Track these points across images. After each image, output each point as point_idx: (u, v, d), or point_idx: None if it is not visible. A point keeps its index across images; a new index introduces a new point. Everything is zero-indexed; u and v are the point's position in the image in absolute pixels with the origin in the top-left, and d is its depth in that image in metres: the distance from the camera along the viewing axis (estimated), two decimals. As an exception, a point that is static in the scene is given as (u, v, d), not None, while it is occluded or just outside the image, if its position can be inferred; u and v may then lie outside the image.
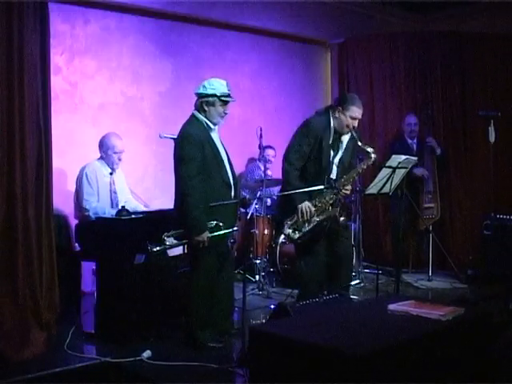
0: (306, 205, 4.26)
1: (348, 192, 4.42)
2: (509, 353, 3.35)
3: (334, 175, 4.39)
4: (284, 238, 4.32)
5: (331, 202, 4.34)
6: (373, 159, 4.32)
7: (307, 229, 4.29)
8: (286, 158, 4.36)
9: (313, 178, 4.34)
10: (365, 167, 4.36)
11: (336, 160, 4.41)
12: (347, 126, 4.31)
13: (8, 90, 3.88)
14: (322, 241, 4.40)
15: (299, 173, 4.33)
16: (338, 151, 4.41)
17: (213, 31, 6.57)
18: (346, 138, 4.42)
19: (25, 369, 3.55)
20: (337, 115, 4.33)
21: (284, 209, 4.44)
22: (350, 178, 4.36)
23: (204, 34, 6.51)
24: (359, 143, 4.35)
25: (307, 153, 4.31)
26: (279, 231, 5.90)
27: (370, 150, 4.33)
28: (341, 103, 4.35)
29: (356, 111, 4.30)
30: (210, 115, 4.01)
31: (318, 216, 4.30)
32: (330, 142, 4.34)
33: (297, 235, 4.30)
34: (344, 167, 4.43)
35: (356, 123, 4.33)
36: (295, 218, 4.30)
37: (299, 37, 7.32)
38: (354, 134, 4.34)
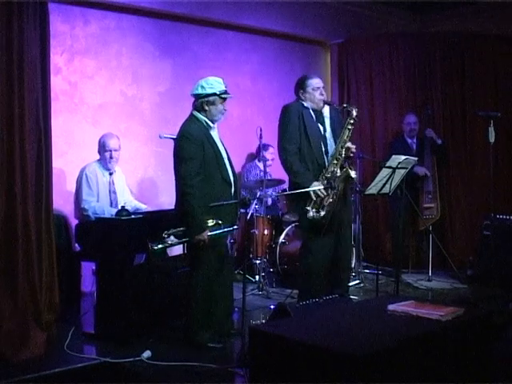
0: (317, 188, 4.27)
1: (352, 148, 4.39)
2: (509, 353, 3.36)
3: (331, 146, 4.42)
4: (314, 215, 4.29)
5: (339, 166, 4.34)
6: (355, 113, 4.34)
7: (329, 202, 4.28)
8: (281, 147, 4.41)
9: (310, 158, 4.37)
10: (350, 126, 4.34)
11: (328, 133, 4.47)
12: (319, 100, 4.41)
13: (8, 90, 3.88)
14: (331, 236, 4.39)
15: (297, 157, 4.36)
16: (324, 124, 4.48)
17: (212, 31, 6.57)
18: (326, 111, 4.51)
19: (25, 369, 3.55)
20: (303, 97, 4.45)
21: (298, 198, 4.42)
22: (341, 141, 4.34)
23: (204, 34, 6.51)
24: (336, 106, 4.56)
25: (297, 134, 4.36)
26: (279, 231, 5.96)
27: (347, 106, 4.48)
28: (299, 87, 4.48)
29: (315, 81, 4.45)
30: (211, 114, 4.02)
31: (333, 188, 4.29)
32: (314, 119, 4.42)
33: (322, 213, 4.28)
34: (337, 136, 4.44)
35: (323, 91, 4.46)
36: (313, 200, 4.30)
37: (299, 37, 7.32)
38: (328, 102, 4.49)
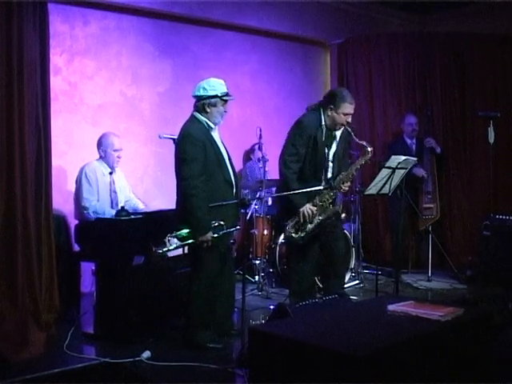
0: (307, 207, 4.27)
1: (347, 189, 4.43)
2: (509, 353, 3.36)
3: (330, 171, 4.40)
4: (284, 239, 4.32)
5: (331, 200, 4.35)
6: (370, 153, 4.28)
7: (311, 228, 4.31)
8: (283, 163, 4.34)
9: (310, 176, 4.35)
10: (363, 162, 4.34)
11: (330, 155, 4.41)
12: (341, 124, 4.28)
13: (7, 90, 3.88)
14: (315, 245, 4.43)
15: (296, 175, 4.33)
16: (331, 146, 4.41)
17: (212, 32, 6.57)
18: (338, 132, 4.40)
19: (24, 369, 3.55)
20: (329, 113, 4.28)
21: (284, 210, 4.45)
22: (349, 174, 4.36)
23: (203, 34, 6.51)
24: (356, 139, 4.32)
25: (303, 154, 4.31)
26: (279, 231, 5.96)
27: (365, 144, 4.29)
28: (332, 101, 4.26)
29: (348, 107, 4.23)
30: (212, 116, 4.02)
31: (320, 215, 4.31)
32: (323, 139, 4.33)
33: (301, 235, 4.31)
34: (339, 161, 4.44)
35: (350, 118, 4.28)
36: (296, 220, 4.31)
37: (299, 37, 7.32)
38: (349, 130, 4.30)
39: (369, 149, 4.27)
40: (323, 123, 4.31)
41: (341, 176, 4.35)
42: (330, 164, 4.41)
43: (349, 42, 7.38)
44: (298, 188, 4.22)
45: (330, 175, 4.39)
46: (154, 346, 3.96)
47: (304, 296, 4.27)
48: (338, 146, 4.42)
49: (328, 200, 4.33)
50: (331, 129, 4.33)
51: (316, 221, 4.30)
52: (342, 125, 4.28)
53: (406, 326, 2.84)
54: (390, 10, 7.87)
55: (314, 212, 4.28)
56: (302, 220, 4.27)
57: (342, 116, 4.24)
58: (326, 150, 4.37)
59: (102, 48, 5.82)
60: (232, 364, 3.67)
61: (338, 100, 4.24)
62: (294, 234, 4.31)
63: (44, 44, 4.11)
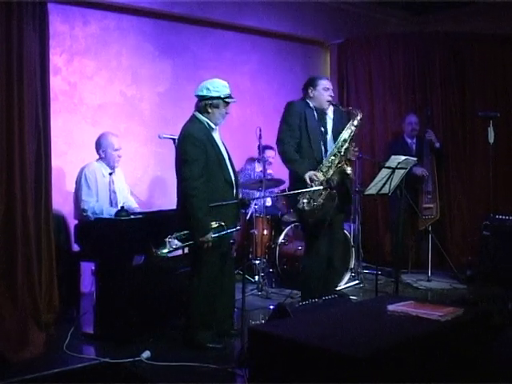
0: (311, 173, 4.31)
1: (353, 151, 4.41)
2: (509, 353, 3.36)
3: (331, 145, 4.46)
4: (304, 206, 4.32)
5: (336, 162, 4.37)
6: (359, 116, 4.41)
7: (321, 202, 4.30)
8: (279, 140, 4.47)
9: (309, 156, 4.40)
10: (355, 124, 4.40)
11: (329, 131, 4.52)
12: (326, 100, 4.48)
13: (7, 90, 3.88)
14: (324, 238, 4.44)
15: (295, 148, 4.40)
16: (326, 125, 4.53)
17: (212, 32, 6.57)
18: (330, 112, 4.58)
19: (24, 369, 3.55)
20: (311, 95, 4.51)
21: (293, 187, 4.49)
22: (343, 137, 4.37)
23: (203, 34, 6.51)
24: (342, 108, 4.62)
25: (296, 131, 4.41)
26: (279, 231, 5.96)
27: (352, 109, 4.52)
28: (309, 84, 4.54)
29: (326, 83, 4.53)
30: (214, 117, 4.03)
31: (327, 177, 4.33)
32: (316, 118, 4.47)
33: (313, 204, 4.32)
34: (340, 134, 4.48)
35: (331, 93, 4.52)
36: (307, 196, 4.32)
37: (298, 37, 7.32)
38: (334, 103, 4.54)
39: (358, 113, 4.43)
40: (311, 105, 4.50)
41: (335, 145, 4.40)
42: (331, 139, 4.50)
43: (349, 42, 7.38)
44: (296, 156, 4.37)
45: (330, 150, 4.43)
46: (154, 345, 3.96)
47: (315, 292, 4.25)
48: (334, 123, 4.56)
49: (333, 162, 4.35)
50: (320, 108, 4.50)
51: (325, 184, 4.30)
52: (327, 101, 4.48)
53: (406, 326, 2.84)
54: (389, 10, 7.88)
55: (320, 176, 4.30)
56: (309, 183, 4.27)
57: (323, 92, 4.48)
58: (323, 129, 4.50)
59: (101, 48, 5.82)
60: (232, 364, 3.67)
61: (314, 80, 4.56)
62: (306, 205, 4.32)
63: (44, 44, 4.11)
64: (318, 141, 4.43)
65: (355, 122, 4.40)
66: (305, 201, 4.32)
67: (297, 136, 4.42)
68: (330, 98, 4.48)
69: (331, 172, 4.34)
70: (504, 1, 6.83)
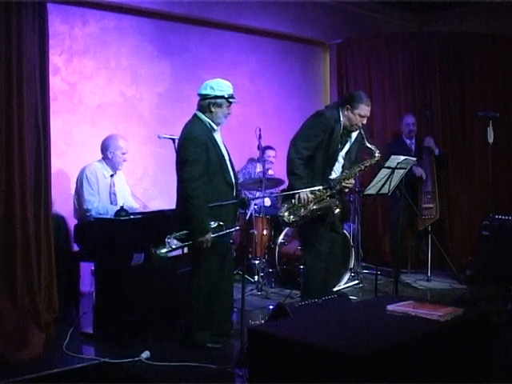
0: (305, 192, 4.29)
1: (350, 185, 4.44)
2: (508, 353, 3.36)
3: (339, 167, 4.43)
4: (283, 218, 4.34)
5: (329, 193, 4.36)
6: (377, 158, 4.35)
7: (302, 214, 4.32)
8: (294, 145, 4.37)
9: (319, 167, 4.38)
10: (368, 165, 4.38)
11: (343, 152, 4.45)
12: (356, 125, 4.35)
13: (7, 90, 3.88)
14: (326, 240, 4.44)
15: (303, 162, 4.35)
16: (345, 144, 4.45)
17: (211, 32, 6.58)
18: (354, 134, 4.46)
19: (23, 369, 3.55)
20: (345, 113, 4.36)
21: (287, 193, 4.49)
22: (352, 173, 4.39)
23: (203, 34, 6.51)
24: (365, 141, 4.38)
25: (316, 143, 4.34)
26: (279, 231, 5.96)
27: (374, 148, 4.36)
28: (349, 102, 4.37)
29: (365, 109, 4.34)
30: (216, 116, 4.02)
31: (314, 204, 4.33)
32: (340, 135, 4.38)
33: (292, 219, 4.33)
34: (350, 160, 4.46)
35: (364, 121, 4.37)
36: (293, 202, 4.33)
37: (298, 37, 7.33)
38: (362, 132, 4.37)
39: (376, 154, 4.34)
40: (341, 119, 4.37)
41: (344, 173, 4.39)
42: (341, 160, 4.44)
43: (348, 42, 7.38)
44: (302, 173, 4.30)
45: (334, 175, 4.40)
46: (154, 346, 3.96)
47: (317, 293, 4.25)
48: (351, 147, 4.47)
49: (325, 193, 4.35)
50: (346, 128, 4.39)
51: (310, 208, 4.31)
52: (357, 126, 4.35)
53: (406, 326, 2.84)
54: (389, 10, 7.88)
55: (310, 199, 4.30)
56: (297, 203, 4.29)
57: (358, 117, 4.33)
58: (340, 146, 4.42)
59: (101, 48, 5.82)
60: (231, 364, 3.66)
61: (356, 100, 4.34)
62: (286, 217, 4.33)
63: (43, 44, 4.11)
64: (332, 156, 4.37)
65: (368, 163, 4.36)
66: (286, 213, 4.33)
67: (312, 148, 4.33)
68: (360, 125, 4.35)
69: (322, 200, 4.34)
70: (504, 1, 6.84)
